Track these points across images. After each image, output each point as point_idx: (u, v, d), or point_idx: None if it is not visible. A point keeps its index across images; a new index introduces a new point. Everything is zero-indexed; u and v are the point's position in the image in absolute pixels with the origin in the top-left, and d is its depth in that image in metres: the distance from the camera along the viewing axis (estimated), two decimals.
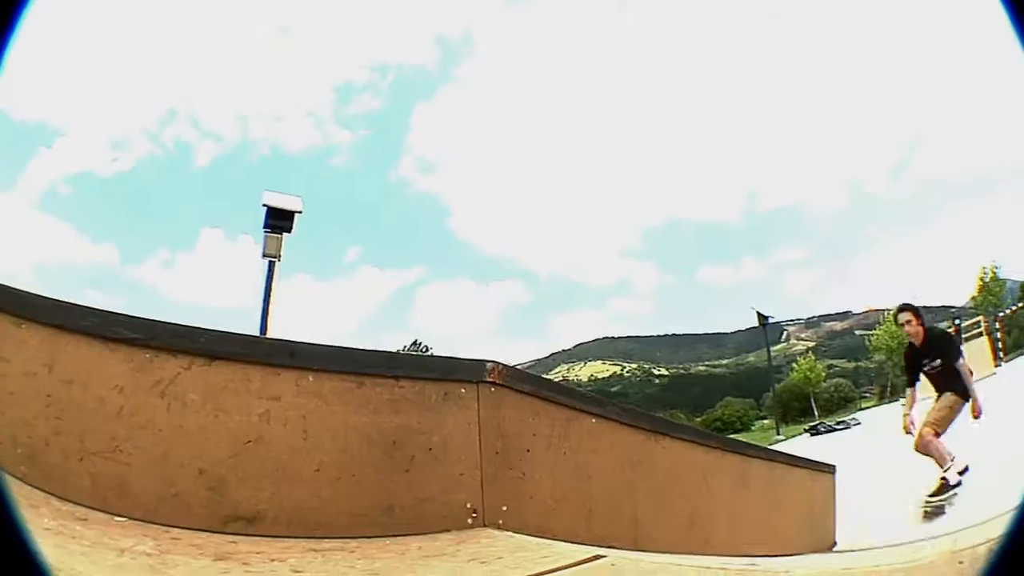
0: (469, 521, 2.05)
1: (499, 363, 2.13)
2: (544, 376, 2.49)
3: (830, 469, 4.53)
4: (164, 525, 1.86)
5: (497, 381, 2.10)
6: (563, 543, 1.96)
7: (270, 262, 9.06)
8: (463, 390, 2.08)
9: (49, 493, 1.87)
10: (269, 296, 8.90)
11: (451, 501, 2.05)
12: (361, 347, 2.29)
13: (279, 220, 9.30)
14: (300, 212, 9.48)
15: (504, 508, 2.10)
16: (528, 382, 2.24)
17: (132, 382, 1.94)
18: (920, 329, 4.90)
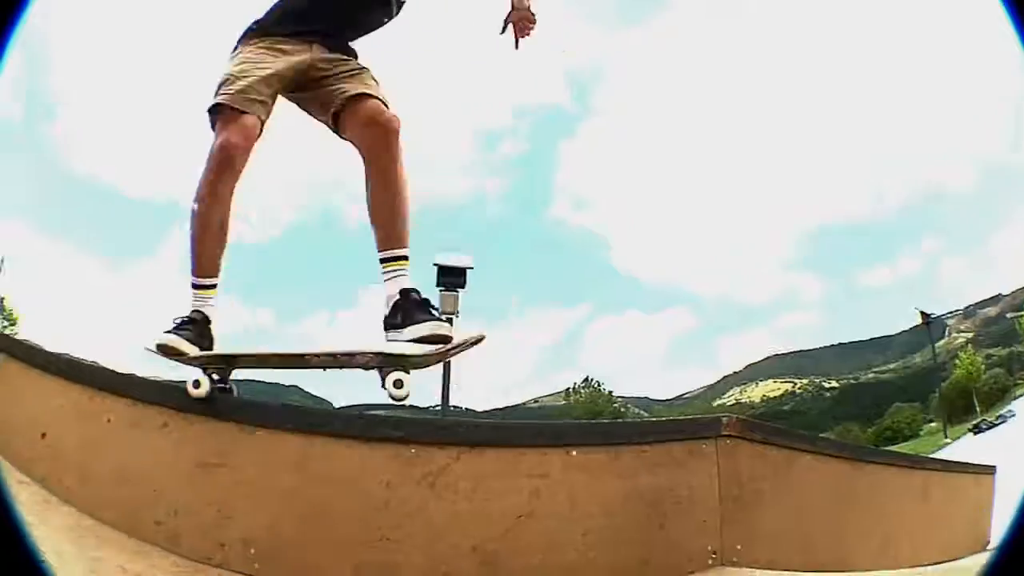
0: (709, 562, 2.25)
1: (733, 417, 2.28)
2: (767, 422, 2.65)
3: (991, 471, 4.62)
4: None
5: (732, 433, 2.25)
6: (786, 573, 2.14)
7: (448, 320, 9.17)
8: (704, 445, 2.21)
9: None
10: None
11: (696, 547, 2.25)
12: (616, 421, 2.53)
13: (451, 278, 9.45)
14: (471, 268, 9.56)
15: (738, 547, 2.28)
16: (757, 430, 2.39)
17: (399, 476, 2.03)
18: None
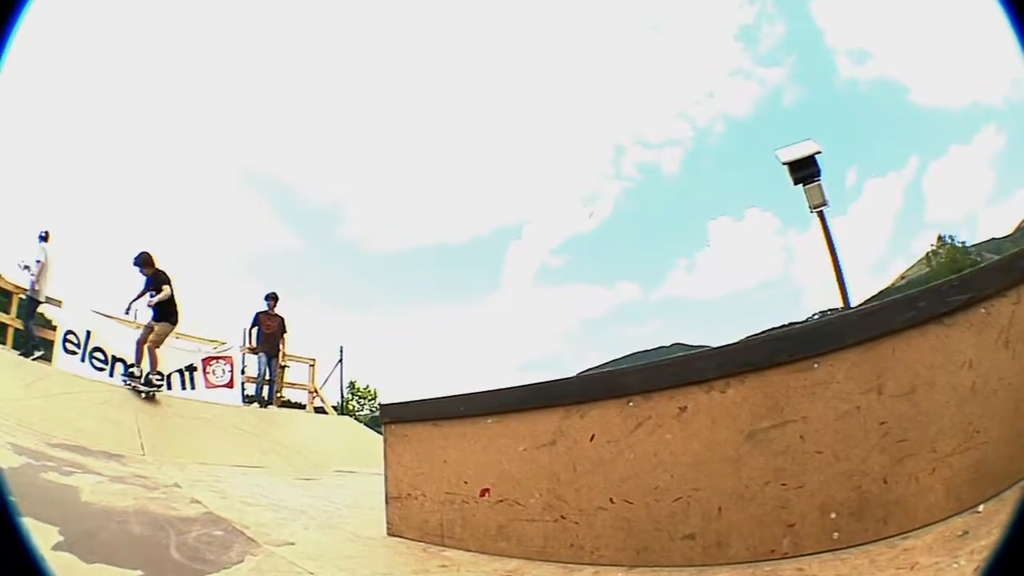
0: None
1: None
2: None
3: None
4: None
5: None
6: None
7: (820, 213, 8.51)
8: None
9: None
10: (833, 246, 8.37)
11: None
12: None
13: (805, 169, 8.69)
14: (820, 152, 8.75)
15: None
16: None
17: (978, 349, 1.77)
18: None
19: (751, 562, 1.71)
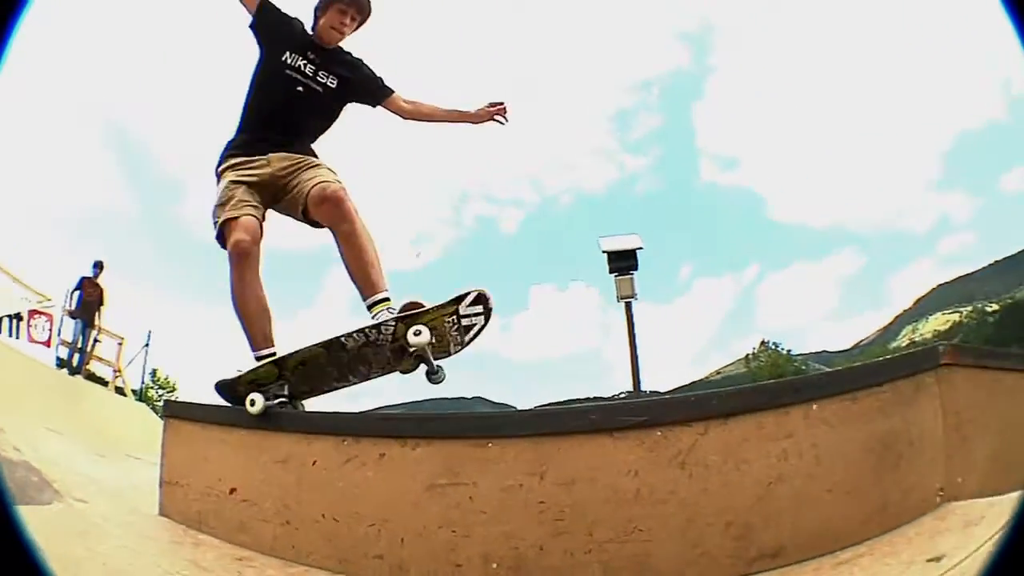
0: (937, 500, 2.19)
1: (948, 344, 2.23)
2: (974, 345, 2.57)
3: None
4: None
5: (950, 362, 2.15)
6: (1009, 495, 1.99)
7: (627, 304, 9.09)
8: (928, 378, 2.15)
9: None
10: (634, 336, 8.86)
11: (926, 486, 2.17)
12: (857, 364, 2.48)
13: (622, 261, 9.31)
14: (641, 248, 9.44)
15: (959, 480, 2.22)
16: (969, 355, 2.31)
17: (647, 462, 1.97)
18: None
19: None
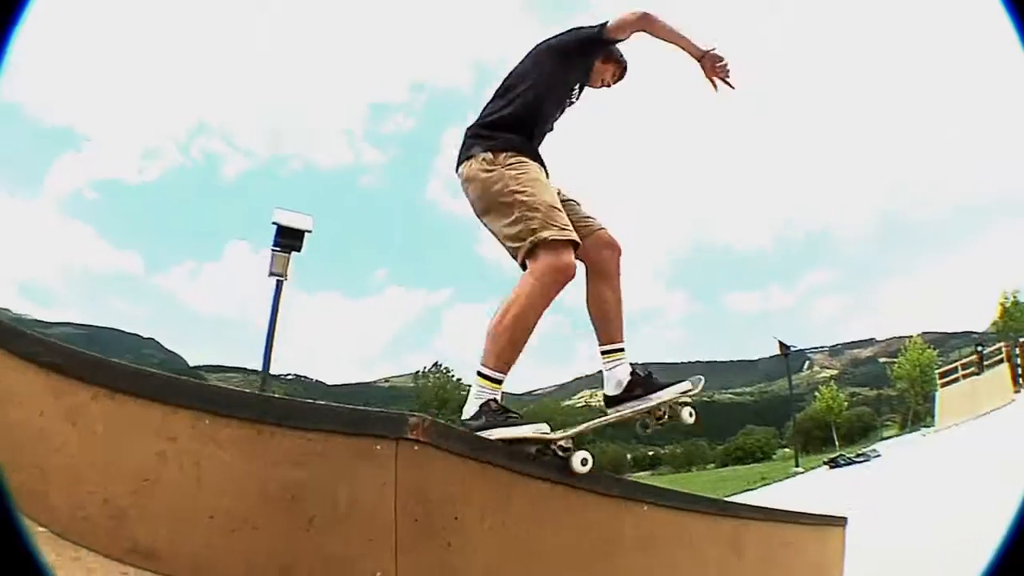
0: None
1: (425, 417, 1.81)
2: (487, 438, 2.15)
3: (840, 522, 3.92)
4: (74, 544, 1.89)
5: (421, 439, 1.77)
6: None
7: (278, 281, 8.93)
8: (379, 447, 1.78)
9: None
10: (276, 316, 8.83)
11: (359, 568, 1.77)
12: (269, 394, 2.07)
13: (289, 239, 9.16)
14: (310, 232, 9.31)
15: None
16: (460, 441, 1.89)
17: (51, 407, 1.96)
18: None
19: None
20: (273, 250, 9.13)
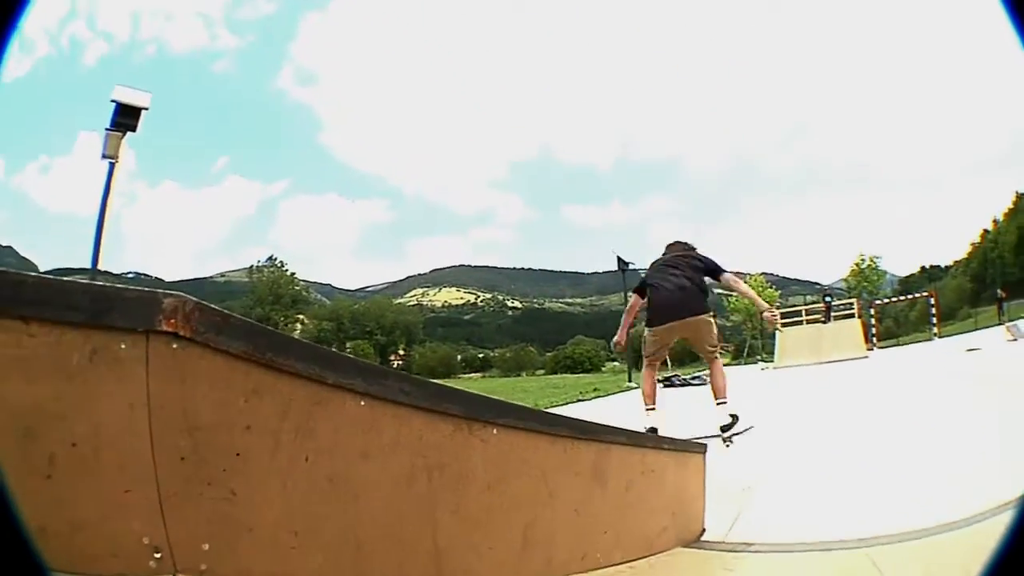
0: (152, 564, 1.27)
1: (186, 299, 1.24)
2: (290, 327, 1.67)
3: (701, 449, 3.92)
4: None
5: (182, 332, 1.22)
6: None
7: (110, 164, 8.46)
8: (122, 345, 1.21)
9: None
10: (106, 204, 8.42)
11: (117, 531, 1.25)
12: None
13: (125, 118, 8.68)
14: (147, 109, 8.80)
15: (205, 547, 1.31)
16: (240, 337, 1.29)
17: None
18: None
19: None
20: (107, 130, 8.67)
